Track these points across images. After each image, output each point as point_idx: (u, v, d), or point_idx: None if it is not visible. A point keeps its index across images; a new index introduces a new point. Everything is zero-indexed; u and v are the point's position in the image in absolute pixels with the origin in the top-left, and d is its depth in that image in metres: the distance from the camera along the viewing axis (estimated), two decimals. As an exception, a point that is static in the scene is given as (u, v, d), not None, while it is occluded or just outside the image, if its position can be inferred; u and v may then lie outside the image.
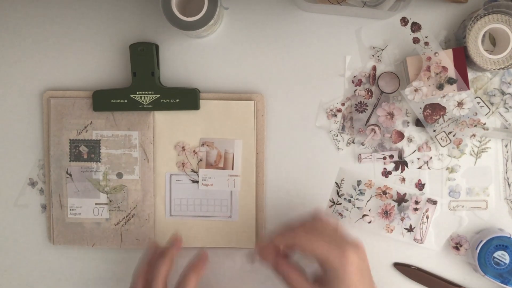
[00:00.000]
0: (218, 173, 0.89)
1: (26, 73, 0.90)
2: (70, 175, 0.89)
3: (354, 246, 0.74)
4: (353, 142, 0.89)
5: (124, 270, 0.91)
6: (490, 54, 0.82)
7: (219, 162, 0.89)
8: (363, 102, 0.88)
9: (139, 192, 0.89)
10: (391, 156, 0.88)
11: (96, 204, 0.89)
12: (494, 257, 0.84)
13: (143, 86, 0.87)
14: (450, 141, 0.87)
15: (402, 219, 0.88)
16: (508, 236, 0.84)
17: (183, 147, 0.88)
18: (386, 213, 0.88)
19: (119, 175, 0.89)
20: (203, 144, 0.88)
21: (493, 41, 0.86)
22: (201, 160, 0.89)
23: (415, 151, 0.88)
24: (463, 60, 0.83)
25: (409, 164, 0.88)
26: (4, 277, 0.92)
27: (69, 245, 0.90)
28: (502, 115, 0.87)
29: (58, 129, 0.88)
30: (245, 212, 0.89)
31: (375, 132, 0.87)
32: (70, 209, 0.89)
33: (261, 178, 0.89)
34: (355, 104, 0.88)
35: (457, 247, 0.88)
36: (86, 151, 0.89)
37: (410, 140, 0.88)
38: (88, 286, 0.91)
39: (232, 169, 0.89)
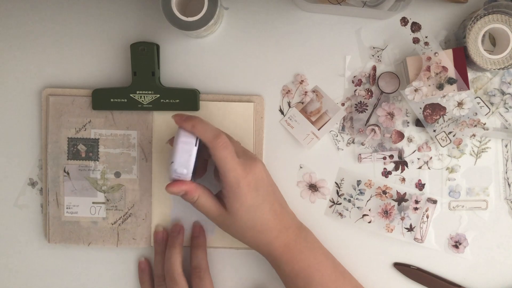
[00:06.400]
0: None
1: (25, 70, 0.89)
2: (68, 173, 0.88)
3: (253, 161, 0.80)
4: (353, 142, 0.88)
5: (120, 270, 0.90)
6: (490, 54, 0.83)
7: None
8: (363, 102, 0.88)
9: (137, 191, 0.88)
10: (391, 156, 0.88)
11: (93, 203, 0.89)
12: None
13: (143, 85, 0.87)
14: (450, 141, 0.87)
15: (402, 218, 0.88)
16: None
17: None
18: (386, 213, 0.88)
19: (117, 174, 0.88)
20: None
21: (493, 41, 0.87)
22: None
23: (415, 151, 0.88)
24: (463, 60, 0.83)
25: (409, 164, 0.88)
26: (1, 276, 0.91)
27: (65, 243, 0.89)
28: (502, 115, 0.87)
29: (56, 127, 0.88)
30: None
31: (375, 132, 0.87)
32: (67, 208, 0.88)
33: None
34: (355, 104, 0.88)
35: (456, 245, 0.88)
36: (84, 149, 0.88)
37: (410, 140, 0.88)
38: (83, 285, 0.90)
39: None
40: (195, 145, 0.77)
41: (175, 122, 0.78)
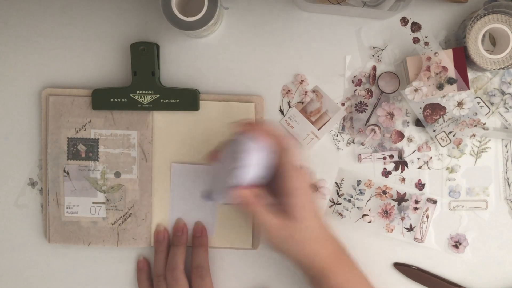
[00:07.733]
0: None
1: (25, 70, 0.89)
2: (68, 173, 0.88)
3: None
4: (353, 142, 0.88)
5: (120, 270, 0.90)
6: (490, 54, 0.83)
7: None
8: (363, 102, 0.88)
9: (137, 191, 0.88)
10: (391, 156, 0.88)
11: (93, 203, 0.89)
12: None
13: (143, 85, 0.87)
14: (450, 141, 0.87)
15: (402, 218, 0.88)
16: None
17: None
18: (386, 213, 0.88)
19: (117, 174, 0.88)
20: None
21: (493, 41, 0.87)
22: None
23: (415, 151, 0.88)
24: (463, 60, 0.83)
25: (409, 164, 0.88)
26: (1, 276, 0.91)
27: (65, 243, 0.89)
28: (502, 115, 0.87)
29: (56, 127, 0.88)
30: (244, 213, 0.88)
31: (375, 132, 0.87)
32: (67, 208, 0.88)
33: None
34: (355, 104, 0.88)
35: (456, 245, 0.88)
36: (84, 149, 0.88)
37: (410, 140, 0.88)
38: (83, 285, 0.90)
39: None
40: (259, 151, 0.76)
41: (243, 131, 0.78)
